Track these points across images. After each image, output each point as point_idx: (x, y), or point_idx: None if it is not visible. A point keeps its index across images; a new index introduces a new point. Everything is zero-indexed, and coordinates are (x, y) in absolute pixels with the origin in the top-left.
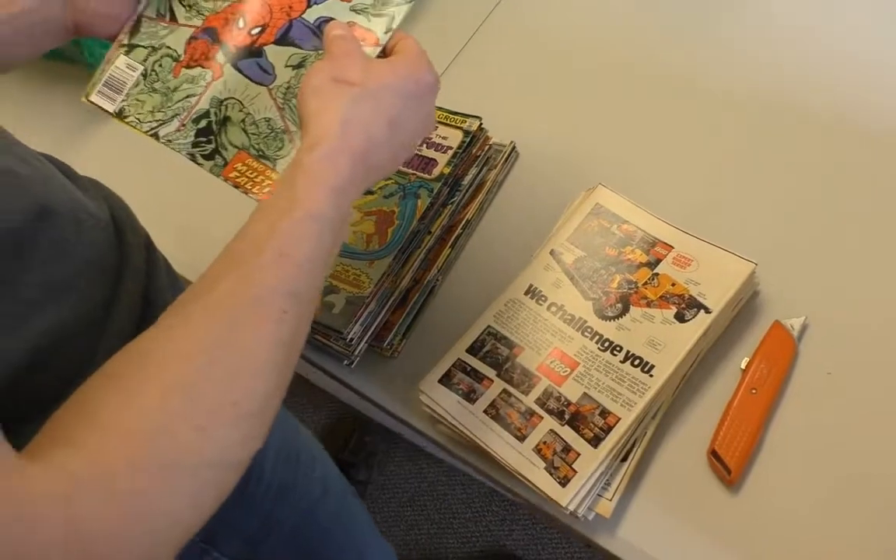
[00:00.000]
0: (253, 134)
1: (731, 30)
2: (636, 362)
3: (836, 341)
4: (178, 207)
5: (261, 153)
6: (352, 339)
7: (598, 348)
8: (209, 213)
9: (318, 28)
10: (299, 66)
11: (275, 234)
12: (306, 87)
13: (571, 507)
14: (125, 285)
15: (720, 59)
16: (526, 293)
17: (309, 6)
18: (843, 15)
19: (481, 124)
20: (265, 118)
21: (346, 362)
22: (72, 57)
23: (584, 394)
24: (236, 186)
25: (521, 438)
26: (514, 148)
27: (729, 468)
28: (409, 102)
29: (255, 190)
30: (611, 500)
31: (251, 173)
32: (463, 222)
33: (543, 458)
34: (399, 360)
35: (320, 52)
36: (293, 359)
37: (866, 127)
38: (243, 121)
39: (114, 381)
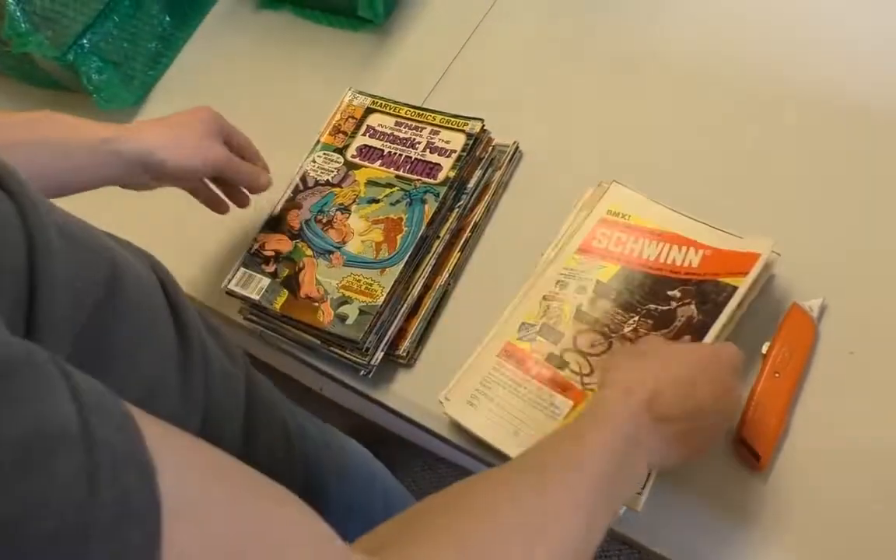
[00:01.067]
0: None
1: (732, 15)
2: None
3: (856, 320)
4: (174, 224)
5: None
6: (367, 349)
7: None
8: (205, 229)
9: None
10: None
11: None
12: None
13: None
14: (187, 335)
15: (725, 48)
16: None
17: None
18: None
19: (483, 126)
20: None
21: (363, 373)
22: (68, 85)
23: None
24: None
25: None
26: (517, 148)
27: (758, 454)
28: (700, 370)
29: None
30: (641, 494)
31: None
32: (471, 225)
33: None
34: (416, 367)
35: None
36: None
37: (876, 108)
38: None
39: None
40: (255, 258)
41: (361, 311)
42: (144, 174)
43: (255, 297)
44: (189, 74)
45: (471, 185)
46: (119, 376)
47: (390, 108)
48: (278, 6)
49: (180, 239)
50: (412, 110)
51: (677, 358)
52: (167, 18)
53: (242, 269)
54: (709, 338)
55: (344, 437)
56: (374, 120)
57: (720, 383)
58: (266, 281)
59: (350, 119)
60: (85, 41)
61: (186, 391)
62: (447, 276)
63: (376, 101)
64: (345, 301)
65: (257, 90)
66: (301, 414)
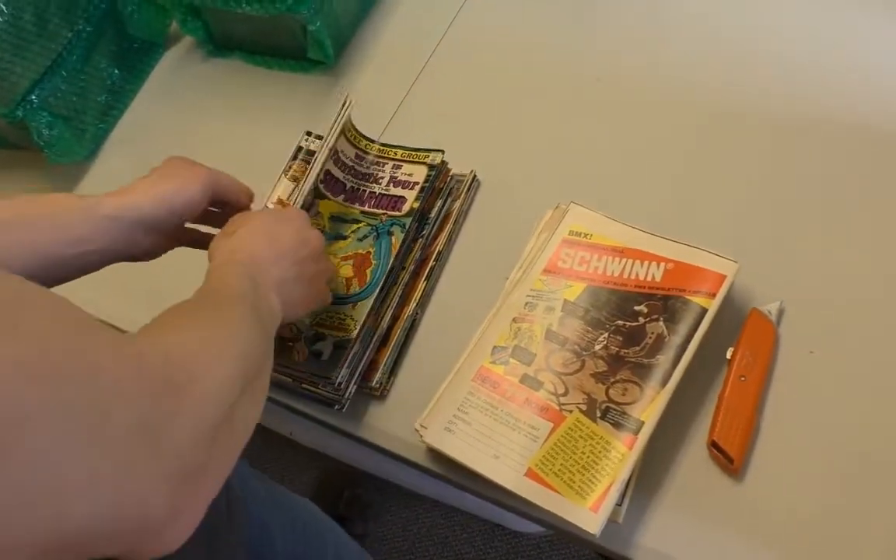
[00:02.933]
0: None
1: (683, 34)
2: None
3: (814, 320)
4: (144, 273)
5: None
6: (340, 384)
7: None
8: (174, 278)
9: None
10: None
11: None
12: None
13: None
14: None
15: (676, 66)
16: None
17: None
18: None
19: (443, 157)
20: None
21: (336, 407)
22: (17, 143)
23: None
24: None
25: None
26: (474, 176)
27: (731, 457)
28: (279, 222)
29: None
30: (621, 505)
31: None
32: (435, 254)
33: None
34: (389, 398)
35: None
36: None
37: (827, 118)
38: None
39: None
40: None
41: (336, 346)
42: (136, 231)
43: None
44: (141, 125)
45: (432, 215)
46: None
47: (353, 138)
48: (228, 54)
49: (143, 284)
50: (374, 145)
51: (256, 222)
52: (116, 71)
53: None
54: (684, 360)
55: (294, 496)
56: (340, 144)
57: (298, 230)
58: None
59: (305, 164)
60: (33, 97)
61: None
62: (414, 305)
63: (348, 125)
64: (319, 337)
65: (211, 138)
66: (249, 473)
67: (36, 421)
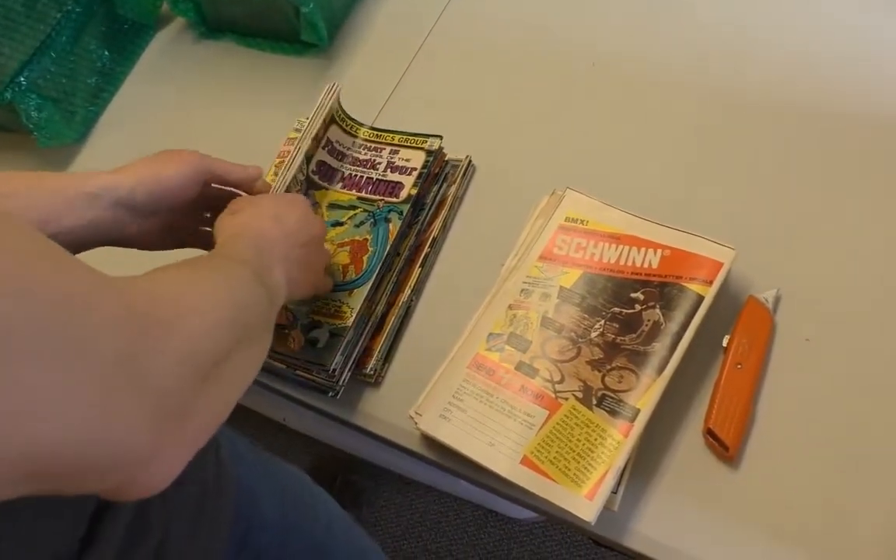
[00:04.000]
0: None
1: (678, 20)
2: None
3: (810, 308)
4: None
5: None
6: (334, 370)
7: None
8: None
9: None
10: None
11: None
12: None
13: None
14: None
15: (671, 52)
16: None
17: None
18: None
19: (441, 143)
20: None
21: (330, 394)
22: (6, 125)
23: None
24: None
25: None
26: (470, 161)
27: (726, 444)
28: (285, 205)
29: None
30: (616, 493)
31: None
32: (429, 241)
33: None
34: (384, 385)
35: None
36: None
37: (822, 103)
38: None
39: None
40: None
41: (332, 334)
42: (120, 210)
43: None
44: (131, 108)
45: (427, 201)
46: None
47: (349, 126)
48: (220, 36)
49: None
50: (371, 132)
51: (264, 204)
52: (106, 53)
53: None
54: (680, 347)
55: (285, 464)
56: (333, 133)
57: (304, 214)
58: None
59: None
60: (22, 79)
61: None
62: (409, 292)
63: (339, 113)
64: (315, 325)
65: (203, 121)
66: (240, 442)
67: (9, 336)
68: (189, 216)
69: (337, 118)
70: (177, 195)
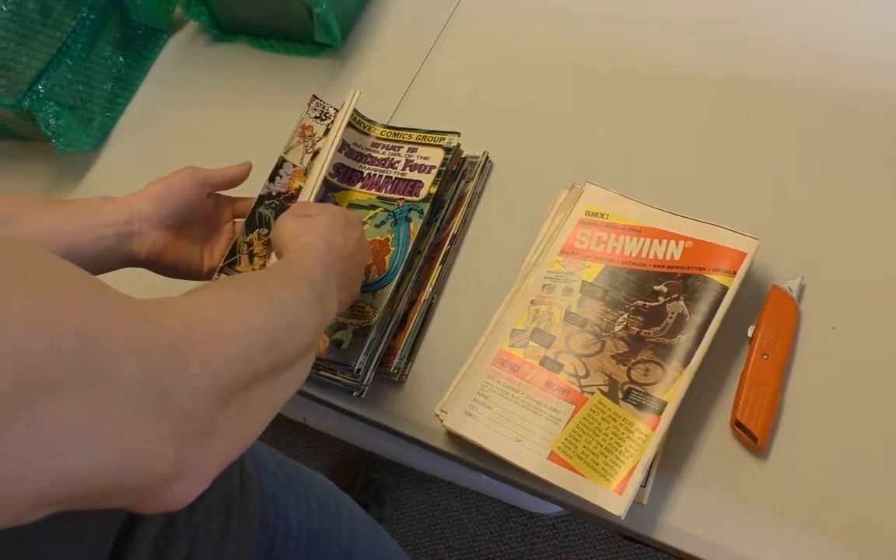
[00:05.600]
0: None
1: (693, 10)
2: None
3: (835, 296)
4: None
5: None
6: (359, 370)
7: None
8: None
9: None
10: None
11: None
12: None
13: (624, 514)
14: None
15: (688, 42)
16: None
17: None
18: None
19: (459, 139)
20: None
21: (355, 393)
22: (24, 134)
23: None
24: None
25: None
26: (487, 158)
27: (754, 435)
28: (350, 224)
29: None
30: (645, 487)
31: None
32: (449, 237)
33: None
34: (407, 383)
35: None
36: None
37: (843, 88)
38: None
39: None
40: None
41: (355, 334)
42: (136, 221)
43: None
44: (148, 113)
45: (446, 197)
46: None
47: (363, 126)
48: (233, 38)
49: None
50: (387, 130)
51: (331, 213)
52: (121, 58)
53: None
54: (706, 339)
55: (307, 470)
56: (348, 135)
57: (362, 234)
58: None
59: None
60: (40, 87)
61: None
62: (430, 290)
63: (354, 116)
64: (340, 326)
65: (218, 124)
66: (261, 450)
67: (34, 373)
68: (197, 235)
69: (352, 120)
70: (187, 198)
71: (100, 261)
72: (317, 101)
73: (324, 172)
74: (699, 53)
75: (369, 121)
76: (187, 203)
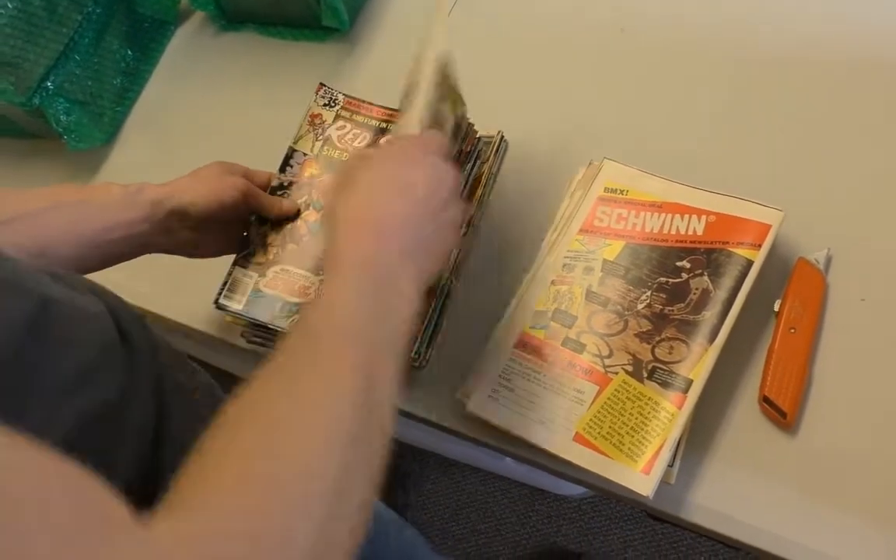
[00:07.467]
0: None
1: None
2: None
3: (863, 267)
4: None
5: None
6: None
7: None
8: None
9: None
10: None
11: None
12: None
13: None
14: (134, 366)
15: (706, 10)
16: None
17: None
18: None
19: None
20: None
21: None
22: (34, 131)
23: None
24: None
25: None
26: (502, 137)
27: (783, 411)
28: (409, 161)
29: None
30: (672, 466)
31: None
32: (467, 220)
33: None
34: (429, 368)
35: None
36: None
37: (866, 57)
38: None
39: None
40: None
41: None
42: (173, 219)
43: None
44: (158, 106)
45: (461, 180)
46: (46, 411)
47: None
48: (240, 27)
49: (175, 269)
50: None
51: (381, 167)
52: (129, 52)
53: None
54: (731, 314)
55: None
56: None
57: (434, 171)
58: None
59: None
60: (49, 83)
61: (133, 425)
62: (448, 274)
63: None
64: None
65: (228, 113)
66: None
67: None
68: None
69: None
70: (228, 215)
71: (121, 252)
72: (325, 88)
73: (429, 96)
74: (716, 22)
75: (381, 107)
76: (226, 213)
